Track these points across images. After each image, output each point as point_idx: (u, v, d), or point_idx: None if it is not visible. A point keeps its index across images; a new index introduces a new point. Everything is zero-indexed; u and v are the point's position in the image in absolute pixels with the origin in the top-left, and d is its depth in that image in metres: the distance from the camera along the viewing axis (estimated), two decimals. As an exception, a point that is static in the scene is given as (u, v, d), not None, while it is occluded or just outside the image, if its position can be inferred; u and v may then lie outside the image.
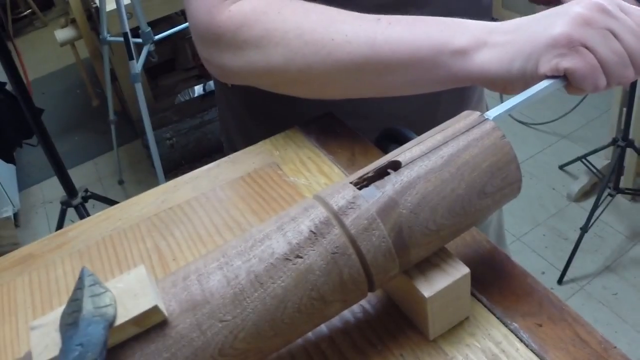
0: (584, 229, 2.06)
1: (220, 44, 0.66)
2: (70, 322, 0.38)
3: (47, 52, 4.33)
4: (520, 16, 0.59)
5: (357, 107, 0.76)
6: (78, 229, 0.68)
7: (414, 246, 0.45)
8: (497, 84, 0.57)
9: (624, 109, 2.11)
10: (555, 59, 0.53)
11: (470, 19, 0.59)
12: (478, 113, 0.50)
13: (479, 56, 0.56)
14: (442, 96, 0.79)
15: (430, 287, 0.46)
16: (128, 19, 2.13)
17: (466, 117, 0.49)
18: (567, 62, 0.53)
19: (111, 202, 2.29)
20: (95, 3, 2.63)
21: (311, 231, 0.43)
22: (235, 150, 0.77)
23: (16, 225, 2.81)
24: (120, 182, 3.03)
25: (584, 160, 2.37)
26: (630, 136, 2.10)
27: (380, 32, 0.60)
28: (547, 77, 0.54)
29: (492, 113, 0.50)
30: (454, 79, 0.59)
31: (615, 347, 0.46)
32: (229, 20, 0.64)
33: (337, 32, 0.61)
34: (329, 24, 0.62)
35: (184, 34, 2.99)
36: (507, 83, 0.56)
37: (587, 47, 0.53)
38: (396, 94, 0.64)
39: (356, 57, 0.60)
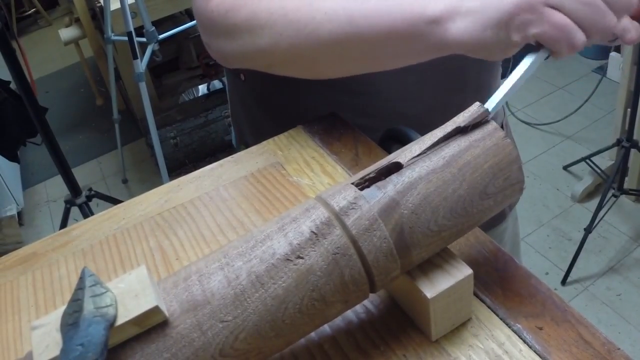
0: (588, 230, 2.06)
1: (214, 29, 0.68)
2: (71, 322, 0.38)
3: (51, 51, 4.35)
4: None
5: (366, 106, 0.76)
6: (82, 228, 0.68)
7: (415, 247, 0.44)
8: (476, 51, 0.56)
9: (629, 110, 2.11)
10: (522, 26, 0.51)
11: None
12: (478, 104, 0.49)
13: (453, 25, 0.55)
14: (453, 97, 0.79)
15: (433, 287, 0.45)
16: (132, 18, 2.13)
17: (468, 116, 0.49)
18: (534, 28, 0.51)
19: (115, 201, 2.29)
20: (99, 2, 2.63)
21: (312, 232, 0.43)
22: (246, 142, 0.77)
23: (20, 223, 2.82)
24: (124, 181, 3.04)
25: (588, 160, 2.37)
26: (635, 137, 2.10)
27: (357, 7, 0.59)
28: (527, 48, 0.53)
29: (489, 104, 0.50)
30: (434, 48, 0.58)
31: (619, 349, 0.46)
32: (219, 5, 0.66)
33: (317, 10, 0.61)
34: (310, 2, 0.62)
35: (188, 33, 2.99)
36: (485, 50, 0.55)
37: (552, 6, 0.50)
38: (384, 67, 0.64)
39: (337, 34, 0.60)
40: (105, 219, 0.69)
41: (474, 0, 0.54)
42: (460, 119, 0.48)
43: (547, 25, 0.51)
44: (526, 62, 0.53)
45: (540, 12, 0.51)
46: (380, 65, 0.64)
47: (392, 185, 0.45)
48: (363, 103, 0.71)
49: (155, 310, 0.39)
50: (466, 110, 0.48)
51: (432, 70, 0.73)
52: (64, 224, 2.18)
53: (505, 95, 0.51)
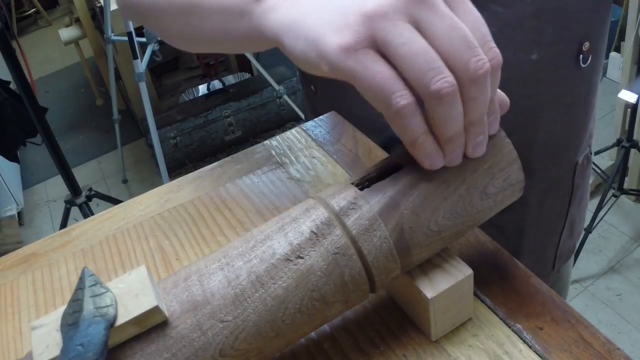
0: (588, 230, 2.06)
1: None
2: (71, 322, 0.38)
3: (51, 51, 4.35)
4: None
5: None
6: (81, 228, 0.68)
7: (415, 247, 0.44)
8: (291, 57, 0.46)
9: (629, 110, 2.11)
10: (338, 61, 0.40)
11: None
12: None
13: (272, 15, 0.47)
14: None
15: (433, 288, 0.45)
16: (132, 18, 2.13)
17: None
18: (355, 62, 0.40)
19: (115, 201, 2.30)
20: (99, 2, 2.64)
21: (312, 232, 0.43)
22: None
23: (20, 223, 2.83)
24: (124, 181, 3.04)
25: (588, 160, 2.36)
26: (635, 137, 2.10)
27: None
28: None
29: None
30: (256, 35, 0.51)
31: (618, 349, 0.46)
32: None
33: None
34: None
35: (188, 33, 2.98)
36: (297, 61, 0.46)
37: (380, 49, 0.40)
38: (212, 45, 0.61)
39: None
40: (105, 219, 0.69)
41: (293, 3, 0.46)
42: None
43: (366, 71, 0.40)
44: None
45: (362, 53, 0.39)
46: (209, 38, 0.60)
47: (392, 185, 0.45)
48: None
49: (155, 310, 0.39)
50: None
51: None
52: (64, 224, 2.18)
53: None
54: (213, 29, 0.57)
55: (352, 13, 0.40)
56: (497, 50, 0.40)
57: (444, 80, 0.38)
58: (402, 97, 0.39)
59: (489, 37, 0.40)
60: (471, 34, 0.39)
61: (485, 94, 0.40)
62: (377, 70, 0.39)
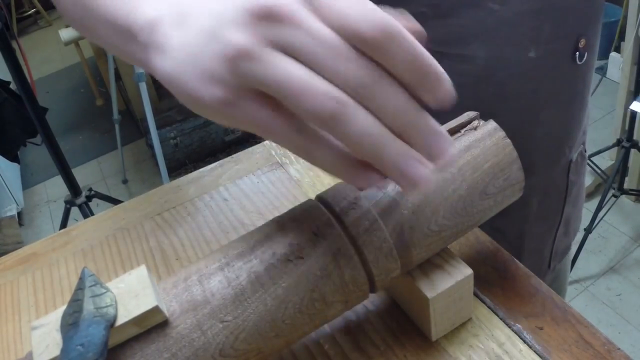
0: (588, 230, 2.06)
1: None
2: (71, 322, 0.38)
3: (52, 51, 4.35)
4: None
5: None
6: (82, 228, 0.68)
7: (415, 247, 0.44)
8: (179, 96, 0.39)
9: (629, 110, 2.11)
10: (220, 116, 0.37)
11: None
12: (478, 113, 0.49)
13: (157, 58, 0.39)
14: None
15: (433, 288, 0.45)
16: (132, 18, 2.13)
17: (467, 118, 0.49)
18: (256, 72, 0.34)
19: (115, 201, 2.30)
20: (99, 2, 2.63)
21: (312, 232, 0.43)
22: None
23: (20, 224, 2.82)
24: (124, 181, 3.04)
25: (588, 160, 2.37)
26: (635, 137, 2.10)
27: None
28: None
29: None
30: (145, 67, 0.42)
31: (618, 349, 0.46)
32: None
33: None
34: None
35: (188, 34, 2.98)
36: (191, 102, 0.38)
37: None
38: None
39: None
40: (105, 219, 0.69)
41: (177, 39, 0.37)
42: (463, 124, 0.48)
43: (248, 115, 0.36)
44: None
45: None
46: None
47: (392, 186, 0.45)
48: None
49: (155, 310, 0.39)
50: (458, 119, 0.49)
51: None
52: (64, 224, 2.18)
53: None
54: (105, 38, 0.47)
55: (216, 60, 0.35)
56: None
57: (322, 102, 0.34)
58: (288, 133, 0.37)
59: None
60: (339, 42, 0.33)
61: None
62: (259, 116, 0.36)
